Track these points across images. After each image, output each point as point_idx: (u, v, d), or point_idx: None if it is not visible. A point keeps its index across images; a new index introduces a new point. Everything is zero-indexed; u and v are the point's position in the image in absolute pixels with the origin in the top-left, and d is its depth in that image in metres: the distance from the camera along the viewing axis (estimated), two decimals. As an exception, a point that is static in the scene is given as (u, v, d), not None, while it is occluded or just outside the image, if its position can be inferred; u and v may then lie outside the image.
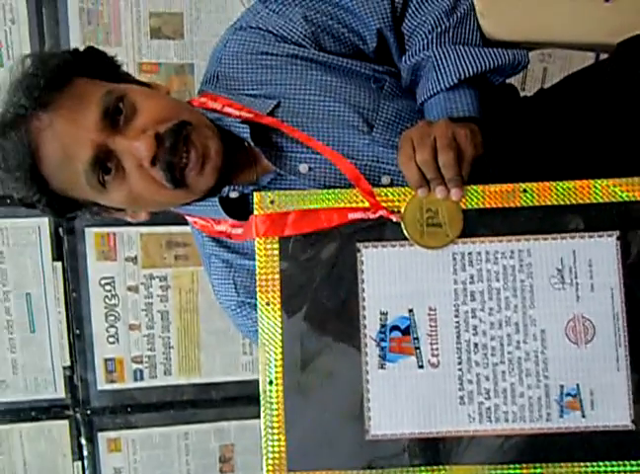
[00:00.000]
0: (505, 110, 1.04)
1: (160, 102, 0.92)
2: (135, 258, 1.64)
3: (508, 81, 1.03)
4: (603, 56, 1.11)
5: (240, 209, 0.95)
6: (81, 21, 1.51)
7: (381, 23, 0.97)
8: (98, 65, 0.94)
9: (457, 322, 0.84)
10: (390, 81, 0.98)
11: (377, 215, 0.84)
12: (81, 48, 0.97)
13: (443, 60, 0.94)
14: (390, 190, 0.85)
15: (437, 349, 0.84)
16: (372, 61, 1.00)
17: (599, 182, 0.84)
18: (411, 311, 0.84)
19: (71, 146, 0.86)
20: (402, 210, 0.84)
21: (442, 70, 0.93)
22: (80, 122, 0.86)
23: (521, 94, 1.15)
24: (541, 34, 1.07)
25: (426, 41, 0.96)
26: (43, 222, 1.57)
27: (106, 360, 1.67)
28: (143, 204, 0.96)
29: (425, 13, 0.98)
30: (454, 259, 0.84)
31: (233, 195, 0.95)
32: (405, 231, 0.84)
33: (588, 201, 0.83)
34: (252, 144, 0.92)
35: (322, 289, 0.85)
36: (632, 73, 0.97)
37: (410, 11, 0.99)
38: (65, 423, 1.68)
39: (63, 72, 0.88)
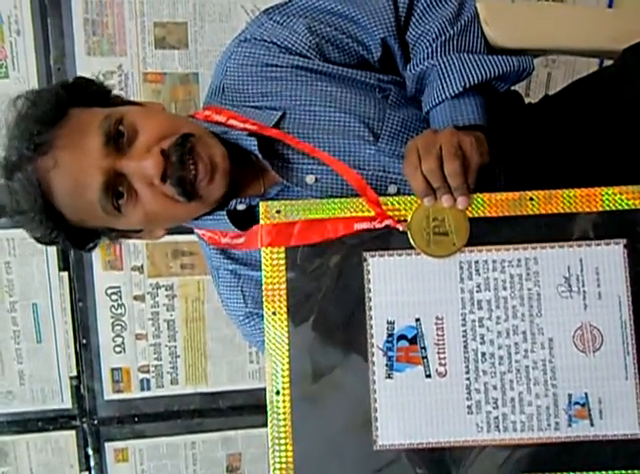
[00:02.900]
0: (510, 117, 1.04)
1: (159, 119, 0.93)
2: (141, 267, 1.65)
3: (512, 87, 1.03)
4: (608, 62, 1.11)
5: (248, 222, 0.95)
6: (86, 31, 1.51)
7: (385, 32, 0.97)
8: (90, 93, 0.94)
9: (465, 331, 0.84)
10: (395, 90, 0.98)
11: (384, 225, 0.84)
12: (70, 80, 0.97)
13: (448, 68, 0.94)
14: (396, 199, 0.85)
15: (444, 358, 0.83)
16: (377, 71, 1.00)
17: (605, 190, 0.83)
18: (418, 320, 0.84)
19: (81, 177, 0.87)
20: (408, 219, 0.84)
21: (447, 78, 0.93)
22: (85, 152, 0.86)
23: (526, 99, 1.15)
24: (545, 40, 1.08)
25: (430, 50, 0.96)
26: (50, 233, 1.57)
27: (112, 370, 1.67)
28: (160, 222, 0.97)
29: (429, 21, 0.98)
30: (461, 267, 0.84)
31: (240, 207, 0.95)
32: (411, 240, 0.84)
33: (594, 209, 0.83)
34: (260, 156, 0.92)
35: (329, 299, 0.85)
36: (637, 79, 0.96)
37: (414, 20, 0.99)
38: (72, 433, 1.68)
39: (57, 107, 0.88)
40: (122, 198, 0.89)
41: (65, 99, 0.90)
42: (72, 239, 0.94)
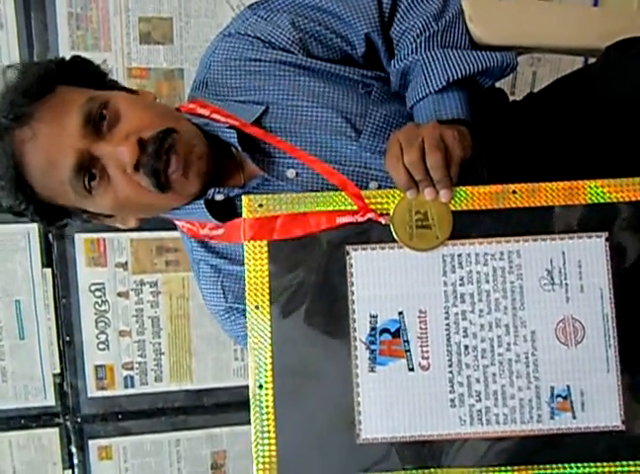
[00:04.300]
0: (494, 113, 1.04)
1: (144, 108, 0.92)
2: (126, 264, 1.64)
3: (497, 85, 1.03)
4: (593, 60, 1.11)
5: (226, 212, 0.94)
6: (70, 26, 1.51)
7: (369, 28, 0.97)
8: (83, 73, 0.94)
9: (447, 324, 0.84)
10: (378, 86, 0.98)
11: (366, 218, 0.84)
12: (68, 57, 0.96)
13: (432, 63, 0.94)
14: (379, 192, 0.85)
15: (427, 351, 0.84)
16: (361, 66, 1.00)
17: (587, 183, 0.84)
18: (401, 314, 0.84)
19: (55, 154, 0.86)
20: (391, 213, 0.84)
21: (431, 73, 0.93)
22: (62, 130, 0.86)
23: (511, 98, 1.15)
24: (530, 38, 1.08)
25: (414, 45, 0.96)
26: (33, 228, 1.56)
27: (96, 367, 1.66)
28: (131, 209, 0.96)
29: (413, 17, 0.98)
30: (444, 261, 0.84)
31: (219, 197, 0.94)
32: (394, 233, 0.84)
33: (577, 203, 0.84)
34: (239, 149, 0.92)
35: (311, 293, 0.84)
36: (620, 77, 0.97)
37: (398, 15, 0.99)
38: (55, 430, 1.67)
39: (45, 82, 0.87)
40: (95, 180, 0.88)
41: (54, 74, 0.89)
42: (41, 214, 0.94)
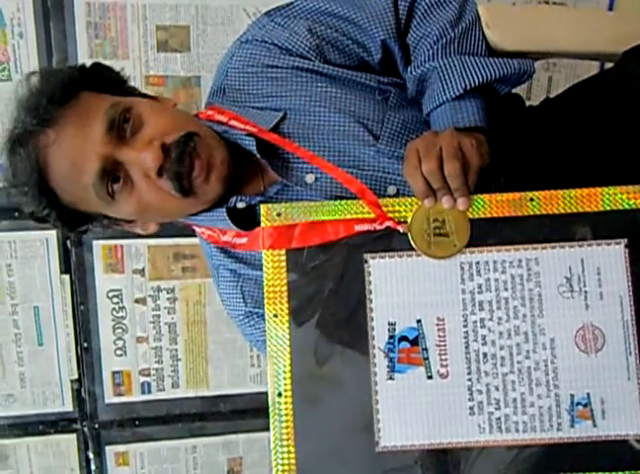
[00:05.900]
0: (511, 119, 1.04)
1: (166, 114, 0.93)
2: (143, 270, 1.64)
3: (513, 91, 1.03)
4: (608, 65, 1.11)
5: (247, 220, 0.95)
6: (88, 34, 1.52)
7: (386, 34, 0.97)
8: (104, 80, 0.95)
9: (466, 332, 0.84)
10: (396, 92, 0.98)
11: (384, 226, 0.84)
12: (88, 64, 0.98)
13: (449, 70, 0.94)
14: (397, 200, 0.85)
15: (445, 359, 0.83)
16: (378, 73, 1.01)
17: (606, 190, 0.83)
18: (419, 321, 0.84)
19: (78, 160, 0.87)
20: (409, 221, 0.84)
21: (448, 80, 0.93)
22: (86, 136, 0.87)
23: (527, 103, 1.15)
24: (546, 43, 1.08)
25: (431, 52, 0.96)
26: (51, 235, 1.57)
27: (113, 373, 1.66)
28: (153, 214, 0.97)
29: (430, 24, 0.98)
30: (462, 268, 0.84)
31: (240, 205, 0.95)
32: (412, 241, 0.84)
33: (595, 210, 0.83)
34: (258, 156, 0.93)
35: (330, 301, 0.85)
36: (637, 82, 0.97)
37: (415, 22, 0.99)
38: (73, 436, 1.68)
39: (69, 87, 0.88)
40: (118, 184, 0.89)
41: (78, 80, 0.90)
42: (63, 220, 0.95)
